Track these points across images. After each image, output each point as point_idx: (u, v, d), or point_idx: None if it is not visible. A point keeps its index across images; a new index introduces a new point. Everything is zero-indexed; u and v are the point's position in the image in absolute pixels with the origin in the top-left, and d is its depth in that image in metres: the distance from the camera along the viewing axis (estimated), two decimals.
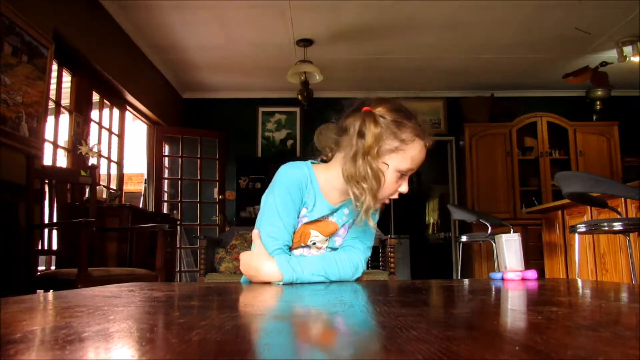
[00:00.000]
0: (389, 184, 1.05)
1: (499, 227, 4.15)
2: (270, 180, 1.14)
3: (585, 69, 4.80)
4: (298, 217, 1.11)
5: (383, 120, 1.04)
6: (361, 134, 1.03)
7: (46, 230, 2.84)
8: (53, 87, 3.29)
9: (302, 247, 1.15)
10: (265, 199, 1.12)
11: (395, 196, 1.08)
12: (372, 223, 1.09)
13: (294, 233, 1.12)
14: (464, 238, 4.22)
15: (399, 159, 1.05)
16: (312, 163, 1.15)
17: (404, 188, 1.07)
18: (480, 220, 4.03)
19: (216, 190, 5.52)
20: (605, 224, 2.60)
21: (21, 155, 2.72)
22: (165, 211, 5.29)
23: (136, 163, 5.51)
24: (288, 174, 1.10)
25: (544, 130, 5.68)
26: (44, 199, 2.78)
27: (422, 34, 4.51)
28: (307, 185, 1.10)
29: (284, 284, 1.00)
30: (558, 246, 3.99)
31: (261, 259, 1.04)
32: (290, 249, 1.14)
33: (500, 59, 5.13)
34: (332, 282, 1.06)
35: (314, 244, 1.14)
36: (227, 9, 4.01)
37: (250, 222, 4.62)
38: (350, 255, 1.11)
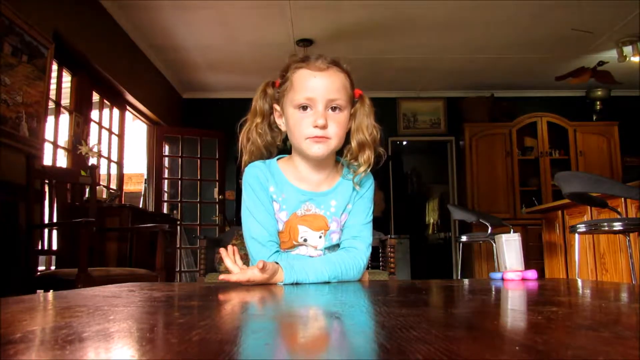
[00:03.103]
0: (295, 123, 1.07)
1: (499, 227, 4.15)
2: None
3: (581, 70, 4.80)
4: (275, 213, 1.10)
5: (273, 87, 1.15)
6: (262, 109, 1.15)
7: (46, 230, 2.84)
8: (53, 87, 3.29)
9: (299, 246, 1.12)
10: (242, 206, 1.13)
11: (317, 132, 1.04)
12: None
13: (282, 232, 1.11)
14: (464, 238, 4.22)
15: (290, 96, 1.07)
16: (279, 158, 1.17)
17: (320, 122, 1.03)
18: (480, 220, 4.03)
19: (216, 190, 5.52)
20: (605, 224, 2.60)
21: (21, 155, 2.72)
22: (165, 211, 5.29)
23: (136, 163, 5.51)
24: (247, 173, 1.13)
25: (544, 130, 5.68)
26: (44, 199, 2.78)
27: (422, 34, 4.51)
28: (267, 178, 1.11)
29: (284, 285, 0.99)
30: (558, 246, 3.99)
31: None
32: (287, 249, 1.12)
33: (500, 59, 5.13)
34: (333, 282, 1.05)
35: (305, 240, 1.11)
36: (227, 9, 4.01)
37: None
38: (354, 257, 1.08)
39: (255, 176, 1.11)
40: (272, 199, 1.11)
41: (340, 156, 1.18)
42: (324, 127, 1.04)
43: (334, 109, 1.06)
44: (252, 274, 0.91)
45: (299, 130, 1.06)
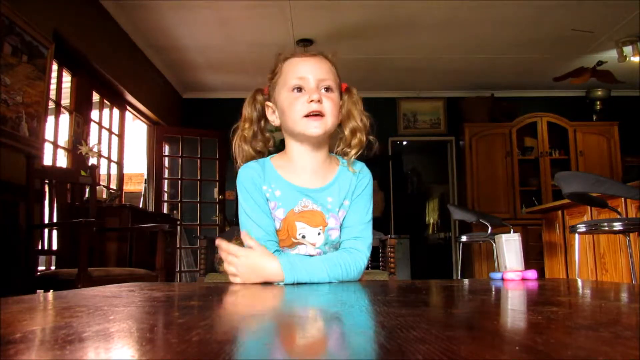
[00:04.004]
0: (290, 104, 1.08)
1: (499, 227, 4.15)
2: None
3: (580, 70, 4.81)
4: (271, 212, 1.10)
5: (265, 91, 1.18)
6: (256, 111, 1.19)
7: (46, 230, 2.84)
8: (53, 87, 3.29)
9: (298, 245, 1.12)
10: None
11: (313, 107, 1.06)
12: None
13: (280, 230, 1.11)
14: (464, 238, 4.22)
15: (282, 82, 1.11)
16: (272, 156, 1.18)
17: (315, 96, 1.06)
18: (480, 220, 4.03)
19: (216, 190, 5.52)
20: (605, 224, 2.60)
21: (21, 155, 2.72)
22: (165, 211, 5.29)
23: (136, 163, 5.52)
24: (240, 175, 1.13)
25: (544, 130, 5.68)
26: (44, 199, 2.78)
27: (422, 34, 4.51)
28: (260, 177, 1.11)
29: (285, 284, 0.99)
30: (558, 246, 3.99)
31: (264, 257, 1.02)
32: (285, 247, 1.12)
33: (500, 59, 5.13)
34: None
35: (304, 237, 1.10)
36: (227, 9, 4.02)
37: None
38: (355, 258, 1.08)
39: (249, 177, 1.11)
40: (267, 198, 1.11)
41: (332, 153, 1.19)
42: (319, 101, 1.06)
43: (326, 89, 1.10)
44: (244, 253, 1.00)
45: (294, 110, 1.08)
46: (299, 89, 1.09)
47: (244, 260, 1.01)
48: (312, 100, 1.06)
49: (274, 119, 1.16)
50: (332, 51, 1.17)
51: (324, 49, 1.21)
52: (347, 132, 1.14)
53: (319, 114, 1.07)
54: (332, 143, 1.18)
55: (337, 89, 1.13)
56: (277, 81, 1.14)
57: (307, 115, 1.07)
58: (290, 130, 1.11)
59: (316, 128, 1.06)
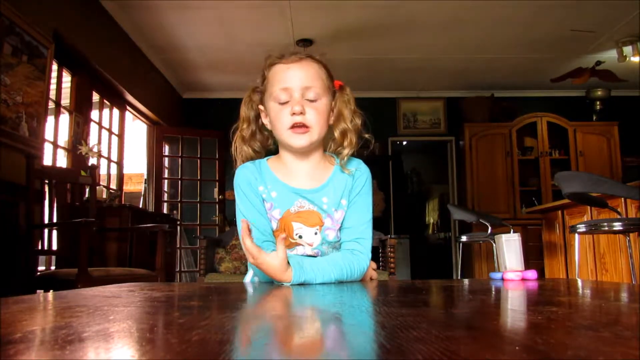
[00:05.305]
0: (275, 115, 1.09)
1: (499, 227, 4.15)
2: None
3: (579, 70, 4.81)
4: (268, 213, 1.10)
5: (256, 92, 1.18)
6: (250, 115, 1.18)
7: (46, 230, 2.84)
8: (53, 87, 3.29)
9: (296, 246, 1.11)
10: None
11: (296, 119, 1.06)
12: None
13: (277, 230, 1.10)
14: (464, 238, 4.22)
15: (269, 91, 1.11)
16: (269, 158, 1.18)
17: (296, 108, 1.05)
18: (480, 220, 4.03)
19: (216, 190, 5.52)
20: (605, 224, 2.60)
21: (21, 155, 2.72)
22: (165, 211, 5.29)
23: (136, 163, 5.51)
24: (237, 176, 1.13)
25: (544, 130, 5.68)
26: (44, 199, 2.78)
27: (422, 34, 4.51)
28: (256, 178, 1.11)
29: (292, 285, 0.98)
30: (558, 246, 3.99)
31: (279, 269, 0.99)
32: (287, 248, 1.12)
33: (500, 59, 5.13)
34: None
35: (301, 237, 1.10)
36: (227, 9, 4.02)
37: None
38: (358, 259, 1.08)
39: (245, 177, 1.12)
40: (263, 198, 1.11)
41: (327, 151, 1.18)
42: (302, 113, 1.05)
43: (312, 99, 1.08)
44: (264, 260, 0.94)
45: (280, 122, 1.08)
46: (284, 100, 1.08)
47: (259, 264, 0.98)
48: (294, 113, 1.05)
49: (267, 122, 1.16)
50: (320, 52, 1.15)
51: (320, 49, 1.20)
52: (337, 134, 1.13)
53: (303, 126, 1.06)
54: (326, 142, 1.17)
55: (326, 94, 1.11)
56: (265, 87, 1.13)
57: (291, 127, 1.07)
58: (278, 139, 1.13)
59: (300, 140, 1.07)
